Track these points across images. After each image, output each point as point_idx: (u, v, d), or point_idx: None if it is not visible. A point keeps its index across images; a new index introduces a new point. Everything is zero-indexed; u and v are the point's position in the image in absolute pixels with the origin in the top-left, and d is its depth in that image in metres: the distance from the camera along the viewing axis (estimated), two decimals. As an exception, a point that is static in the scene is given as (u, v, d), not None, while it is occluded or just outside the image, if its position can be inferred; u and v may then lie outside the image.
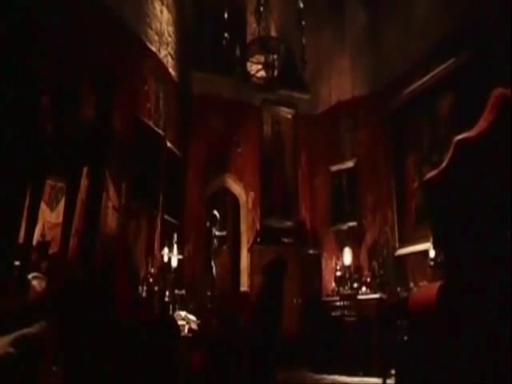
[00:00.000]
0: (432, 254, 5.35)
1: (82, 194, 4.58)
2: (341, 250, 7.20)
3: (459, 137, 1.76)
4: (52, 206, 4.22)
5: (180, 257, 5.77)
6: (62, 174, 3.60)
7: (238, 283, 7.58)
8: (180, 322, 4.25)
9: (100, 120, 3.07)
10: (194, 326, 4.43)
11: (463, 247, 1.98)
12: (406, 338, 3.41)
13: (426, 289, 2.92)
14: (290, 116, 8.38)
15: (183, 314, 4.60)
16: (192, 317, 4.64)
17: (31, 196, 2.76)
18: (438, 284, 2.07)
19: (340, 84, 7.99)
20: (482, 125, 1.73)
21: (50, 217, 4.17)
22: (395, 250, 6.55)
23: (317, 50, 7.92)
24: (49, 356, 1.81)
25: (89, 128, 3.16)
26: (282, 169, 8.15)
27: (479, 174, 1.76)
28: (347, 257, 6.97)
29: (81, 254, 2.91)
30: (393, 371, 4.42)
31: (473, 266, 1.91)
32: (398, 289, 5.92)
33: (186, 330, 4.27)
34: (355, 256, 7.02)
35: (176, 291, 5.49)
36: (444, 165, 1.86)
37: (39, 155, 2.51)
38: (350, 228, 7.37)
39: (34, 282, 2.89)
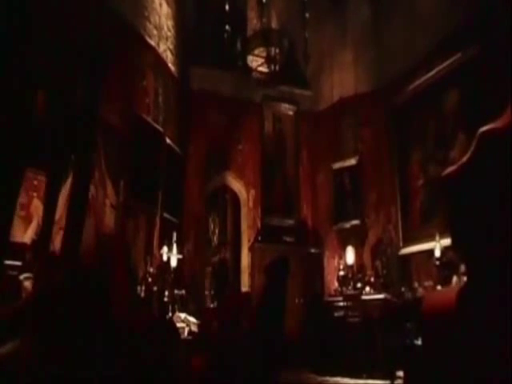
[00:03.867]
0: (437, 253, 5.23)
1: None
2: (343, 249, 7.08)
3: (484, 128, 1.61)
4: (47, 204, 4.07)
5: (180, 256, 5.64)
6: (43, 163, 3.44)
7: (238, 283, 7.46)
8: (180, 325, 4.12)
9: (87, 106, 2.91)
10: (194, 329, 4.29)
11: (484, 248, 1.85)
12: (416, 341, 3.29)
13: (442, 292, 2.79)
14: (291, 113, 8.25)
15: (183, 315, 4.46)
16: (192, 318, 4.50)
17: (9, 187, 2.59)
18: (456, 288, 1.94)
19: (342, 80, 7.86)
20: (508, 115, 1.59)
21: (45, 215, 4.02)
22: (399, 249, 6.43)
23: (319, 46, 7.79)
24: (27, 375, 1.66)
25: (74, 114, 2.99)
26: (283, 166, 8.02)
27: (505, 169, 1.62)
28: (350, 256, 6.85)
29: (66, 253, 2.76)
30: (400, 373, 4.30)
31: (496, 269, 1.78)
32: (403, 289, 5.80)
33: (186, 333, 4.14)
34: (358, 255, 6.90)
35: (176, 291, 5.36)
36: (465, 158, 1.72)
37: (21, 144, 2.35)
38: (353, 226, 7.24)
39: (27, 283, 2.75)
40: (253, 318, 4.24)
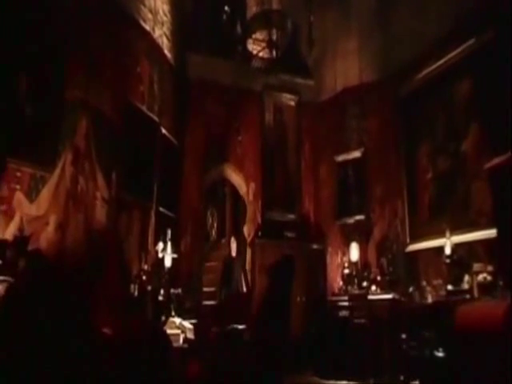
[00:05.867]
0: (448, 250, 4.97)
1: (66, 182, 4.17)
2: (347, 246, 6.84)
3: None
4: (31, 197, 3.77)
5: (174, 255, 5.33)
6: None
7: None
8: (174, 331, 3.81)
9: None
10: (189, 335, 3.98)
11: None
12: (436, 352, 3.00)
13: (481, 306, 2.50)
14: (292, 103, 7.97)
15: (178, 321, 4.14)
16: (188, 324, 4.18)
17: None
18: (501, 303, 1.65)
19: (346, 69, 7.57)
20: None
21: (28, 209, 3.72)
22: (406, 245, 6.17)
23: (322, 33, 7.51)
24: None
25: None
26: (284, 158, 7.75)
27: None
28: (354, 252, 6.60)
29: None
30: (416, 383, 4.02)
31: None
32: (411, 288, 5.51)
33: (181, 340, 3.82)
34: (362, 252, 6.65)
35: (172, 290, 5.06)
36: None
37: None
38: (357, 222, 6.99)
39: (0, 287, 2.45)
40: (254, 322, 3.98)
